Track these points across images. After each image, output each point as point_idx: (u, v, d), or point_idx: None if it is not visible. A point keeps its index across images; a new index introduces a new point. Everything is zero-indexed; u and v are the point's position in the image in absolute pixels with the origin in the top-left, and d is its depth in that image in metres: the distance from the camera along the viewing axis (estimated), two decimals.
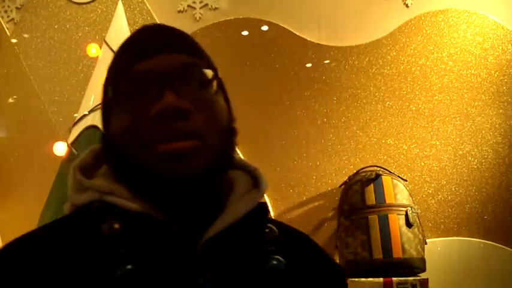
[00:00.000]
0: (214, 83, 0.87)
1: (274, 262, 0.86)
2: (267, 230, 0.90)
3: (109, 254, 0.78)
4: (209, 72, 0.87)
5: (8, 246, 0.83)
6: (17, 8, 2.99)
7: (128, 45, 0.91)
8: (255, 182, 0.91)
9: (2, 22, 2.99)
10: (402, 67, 2.42)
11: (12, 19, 2.99)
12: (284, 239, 0.91)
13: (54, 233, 0.84)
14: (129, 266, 0.77)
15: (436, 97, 2.39)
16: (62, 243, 0.81)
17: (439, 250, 2.27)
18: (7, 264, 0.79)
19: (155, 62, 0.83)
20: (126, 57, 0.87)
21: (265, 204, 0.90)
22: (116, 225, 0.80)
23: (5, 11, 3.02)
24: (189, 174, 0.78)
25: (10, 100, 3.00)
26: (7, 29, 2.98)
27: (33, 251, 0.80)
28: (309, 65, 2.44)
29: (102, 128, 0.91)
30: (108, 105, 0.88)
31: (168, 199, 0.81)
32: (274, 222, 0.93)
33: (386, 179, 2.11)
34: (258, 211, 0.88)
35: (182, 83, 0.81)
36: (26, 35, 2.94)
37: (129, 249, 0.78)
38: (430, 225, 2.30)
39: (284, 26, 2.47)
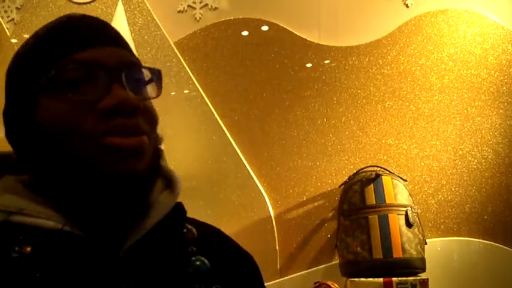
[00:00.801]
0: (154, 85, 0.84)
1: (197, 263, 0.84)
2: (185, 231, 0.89)
3: (23, 281, 0.72)
4: (147, 73, 0.84)
5: None
6: (17, 8, 2.99)
7: (67, 31, 0.82)
8: (167, 182, 0.89)
9: (2, 22, 2.99)
10: (402, 67, 2.42)
11: (12, 19, 2.99)
12: (202, 237, 0.90)
13: None
14: None
15: (436, 97, 2.39)
16: None
17: (439, 250, 2.27)
18: None
19: (104, 52, 0.80)
20: (68, 42, 0.80)
21: (181, 204, 0.89)
22: (28, 248, 0.73)
23: (5, 11, 3.02)
24: (137, 172, 0.75)
25: None
26: (7, 29, 2.98)
27: None
28: (309, 65, 2.45)
29: (16, 123, 0.82)
30: (30, 93, 0.79)
31: (98, 201, 0.76)
32: (190, 220, 0.92)
33: (386, 179, 2.11)
34: (175, 212, 0.86)
35: (128, 80, 0.78)
36: (26, 35, 2.93)
37: (46, 272, 0.72)
38: (430, 225, 2.30)
39: (284, 26, 2.47)
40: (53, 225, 0.74)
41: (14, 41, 2.96)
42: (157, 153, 0.83)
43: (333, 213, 2.30)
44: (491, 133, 2.38)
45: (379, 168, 2.19)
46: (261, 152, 2.39)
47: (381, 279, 1.97)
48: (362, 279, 2.00)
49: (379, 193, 2.08)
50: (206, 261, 0.85)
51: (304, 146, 2.39)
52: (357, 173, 2.22)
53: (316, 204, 2.33)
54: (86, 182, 0.74)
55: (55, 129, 0.75)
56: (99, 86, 0.76)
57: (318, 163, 2.37)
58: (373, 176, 2.12)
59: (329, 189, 2.34)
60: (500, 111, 2.39)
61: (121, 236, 0.78)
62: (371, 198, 2.07)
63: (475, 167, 2.36)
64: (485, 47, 2.42)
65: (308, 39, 2.46)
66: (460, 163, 2.36)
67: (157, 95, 0.84)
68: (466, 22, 2.43)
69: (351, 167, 2.34)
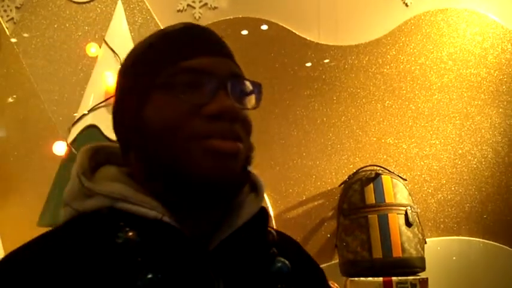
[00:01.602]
0: (253, 97, 0.89)
1: (279, 264, 0.89)
2: (268, 233, 0.93)
3: (126, 264, 0.77)
4: (249, 85, 0.89)
5: (12, 258, 0.79)
6: (16, 8, 2.99)
7: (183, 38, 0.89)
8: (253, 186, 0.94)
9: (2, 22, 2.99)
10: (402, 66, 2.42)
11: (12, 18, 2.99)
12: (280, 241, 0.95)
13: (61, 243, 0.81)
14: (149, 275, 0.76)
15: (436, 96, 2.39)
16: (72, 253, 0.78)
17: (438, 249, 2.27)
18: (14, 276, 0.75)
19: (214, 61, 0.86)
20: (183, 49, 0.86)
21: (265, 208, 0.93)
22: (131, 234, 0.78)
23: (5, 11, 3.02)
24: (231, 173, 0.80)
25: (10, 100, 3.00)
26: (7, 28, 2.98)
27: (41, 262, 0.77)
28: (308, 64, 2.44)
29: (125, 117, 0.88)
30: (143, 90, 0.85)
31: (194, 197, 0.81)
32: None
33: (386, 178, 2.11)
34: (260, 214, 0.90)
35: (232, 89, 0.84)
36: (25, 35, 2.94)
37: (146, 257, 0.77)
38: (430, 224, 2.30)
39: (284, 25, 2.47)
40: (155, 215, 0.79)
41: (13, 40, 2.96)
42: (249, 160, 0.87)
43: (332, 213, 2.30)
44: (490, 132, 2.38)
45: (378, 168, 2.18)
46: (260, 152, 2.38)
47: (381, 279, 1.97)
48: (362, 278, 2.00)
49: (379, 192, 2.08)
50: (287, 263, 0.91)
51: (303, 145, 2.39)
52: (357, 172, 2.22)
53: (315, 203, 2.33)
54: (185, 178, 0.79)
55: (161, 125, 0.81)
56: (207, 91, 0.82)
57: (317, 162, 2.37)
58: (373, 175, 2.12)
59: (329, 188, 2.33)
60: (500, 110, 2.39)
61: (210, 232, 0.84)
62: (371, 198, 2.07)
63: (475, 166, 2.36)
64: (484, 46, 2.42)
65: (308, 38, 2.46)
66: (459, 162, 2.36)
67: (256, 107, 0.89)
68: (465, 21, 2.43)
69: (351, 166, 2.34)
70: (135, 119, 0.85)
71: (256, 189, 0.94)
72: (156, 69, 0.85)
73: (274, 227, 0.99)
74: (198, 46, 0.87)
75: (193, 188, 0.79)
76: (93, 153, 0.93)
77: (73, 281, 0.75)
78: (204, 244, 0.82)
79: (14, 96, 2.98)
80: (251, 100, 0.89)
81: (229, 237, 0.83)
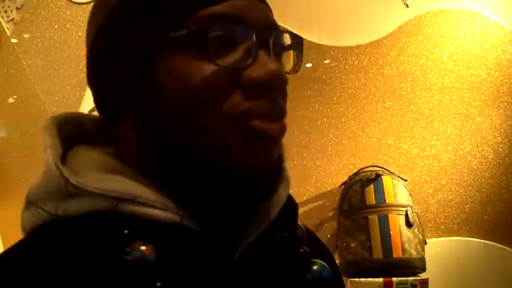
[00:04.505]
0: (291, 56, 0.67)
1: (316, 268, 0.71)
2: (297, 228, 0.75)
3: None
4: (287, 40, 0.67)
5: None
6: (17, 8, 2.99)
7: None
8: None
9: (2, 22, 2.99)
10: (402, 67, 2.41)
11: (13, 19, 2.99)
12: (309, 239, 0.78)
13: (36, 262, 0.57)
14: None
15: (436, 97, 2.39)
16: (56, 278, 0.56)
17: (439, 250, 2.27)
18: None
19: (249, 6, 0.62)
20: None
21: (292, 199, 0.74)
22: (144, 248, 0.57)
23: (5, 11, 3.02)
24: (271, 161, 0.63)
25: (10, 100, 3.00)
26: (7, 29, 2.98)
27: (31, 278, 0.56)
28: (309, 65, 2.44)
29: (118, 83, 0.65)
30: (148, 48, 0.61)
31: (222, 197, 0.62)
32: None
33: (386, 179, 2.11)
34: (288, 205, 0.71)
35: (274, 46, 0.63)
36: (26, 35, 2.94)
37: (166, 279, 0.57)
38: (430, 225, 2.30)
39: (283, 26, 2.46)
40: (172, 218, 0.59)
41: (14, 40, 2.96)
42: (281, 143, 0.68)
43: (333, 214, 2.29)
44: (491, 133, 2.38)
45: (379, 168, 2.18)
46: None
47: (381, 279, 1.97)
48: (362, 279, 2.00)
49: (379, 193, 2.08)
50: (326, 265, 0.72)
51: (304, 146, 2.38)
52: (357, 173, 2.21)
53: (316, 204, 2.32)
54: (214, 170, 0.60)
55: (181, 99, 0.59)
56: (245, 50, 0.61)
57: (318, 163, 2.37)
58: (373, 176, 2.12)
59: (329, 189, 2.33)
60: (501, 111, 2.39)
61: (232, 233, 0.66)
62: (371, 198, 2.07)
63: (475, 167, 2.36)
64: (485, 47, 2.42)
65: (308, 39, 2.45)
66: (460, 163, 2.36)
67: (297, 70, 0.67)
68: (466, 22, 2.43)
69: (351, 167, 2.33)
70: (135, 87, 0.63)
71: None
72: (171, 16, 0.60)
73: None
74: None
75: (226, 182, 0.60)
76: (58, 126, 0.68)
77: None
78: (230, 252, 0.64)
79: (15, 96, 2.97)
80: (289, 59, 0.67)
81: (258, 238, 0.65)
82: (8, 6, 3.03)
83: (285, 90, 0.65)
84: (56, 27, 2.83)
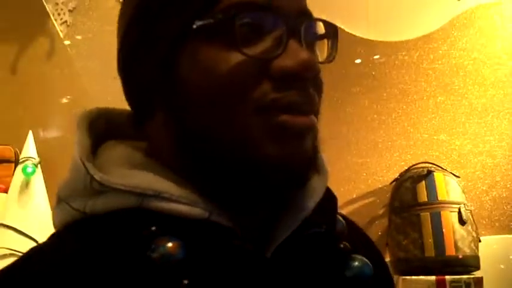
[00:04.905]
0: (325, 45, 0.65)
1: (357, 264, 0.67)
2: (337, 222, 0.71)
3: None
4: (322, 29, 0.65)
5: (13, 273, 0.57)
6: (69, 11, 3.05)
7: None
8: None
9: (56, 24, 3.07)
10: (454, 61, 2.37)
11: (65, 21, 3.06)
12: (350, 233, 0.74)
13: (66, 259, 0.57)
14: None
15: (490, 91, 2.33)
16: (85, 276, 0.55)
17: (494, 248, 2.22)
18: None
19: None
20: None
21: (331, 192, 0.72)
22: (171, 245, 0.56)
23: (58, 14, 3.09)
24: (305, 158, 0.60)
25: (64, 100, 3.06)
26: (60, 31, 3.05)
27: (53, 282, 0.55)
28: (358, 61, 2.42)
29: (146, 76, 0.64)
30: (172, 39, 0.60)
31: (250, 191, 0.60)
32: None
33: (438, 175, 2.07)
34: (327, 198, 0.69)
35: (306, 35, 0.60)
36: (78, 37, 3.00)
37: (194, 278, 0.55)
38: (484, 222, 2.25)
39: (332, 22, 2.45)
40: (200, 214, 0.57)
41: (67, 42, 3.02)
42: (317, 134, 0.64)
43: (383, 211, 2.27)
44: None
45: (430, 165, 2.15)
46: None
47: (434, 278, 1.94)
48: (414, 277, 1.97)
49: (431, 190, 2.05)
50: (367, 261, 0.68)
51: (353, 143, 2.37)
52: (408, 169, 2.18)
53: (366, 201, 2.31)
54: (242, 164, 0.58)
55: (207, 90, 0.58)
56: (275, 39, 0.58)
57: (368, 160, 2.35)
58: (425, 172, 2.09)
59: (380, 186, 2.30)
60: None
61: (264, 229, 0.63)
62: (423, 195, 2.04)
63: None
64: None
65: (357, 34, 2.43)
66: None
67: (331, 60, 0.64)
68: None
69: (402, 163, 2.30)
70: (163, 80, 0.62)
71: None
72: (198, 4, 0.59)
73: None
74: None
75: (253, 174, 0.58)
76: (90, 122, 0.69)
77: None
78: (262, 249, 0.62)
79: (68, 97, 3.04)
80: (323, 48, 0.65)
81: (292, 234, 0.62)
82: (61, 9, 3.10)
83: (318, 81, 0.63)
84: (107, 28, 2.88)
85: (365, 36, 2.43)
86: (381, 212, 2.29)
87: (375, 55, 2.42)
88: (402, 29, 2.43)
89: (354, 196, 2.31)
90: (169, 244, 0.55)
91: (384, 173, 2.32)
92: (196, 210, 0.57)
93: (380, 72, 2.40)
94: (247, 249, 0.60)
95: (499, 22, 2.37)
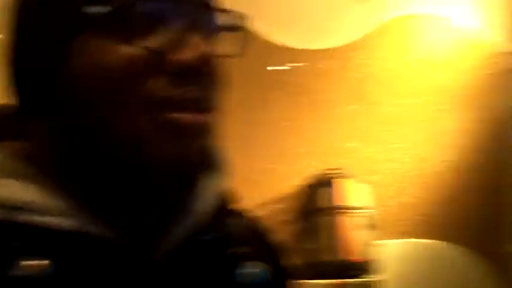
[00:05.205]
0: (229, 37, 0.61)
1: (249, 269, 0.65)
2: (230, 225, 0.68)
3: None
4: (225, 19, 0.61)
5: None
6: None
7: None
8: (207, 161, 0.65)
9: None
10: (369, 71, 2.42)
11: None
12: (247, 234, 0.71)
13: None
14: None
15: (402, 100, 2.40)
16: None
17: (395, 252, 2.28)
18: None
19: None
20: None
21: (228, 195, 0.69)
22: (36, 263, 0.51)
23: None
24: (196, 157, 0.57)
25: None
26: None
27: None
28: (277, 67, 2.45)
29: (31, 70, 0.58)
30: (64, 31, 0.55)
31: (135, 194, 0.58)
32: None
33: (342, 182, 2.13)
34: (222, 205, 0.67)
35: (206, 27, 0.57)
36: None
37: None
38: (390, 227, 2.30)
39: (251, 28, 2.46)
40: (71, 226, 0.53)
41: None
42: (212, 132, 0.60)
43: (291, 216, 2.30)
44: (456, 136, 2.39)
45: (336, 171, 2.20)
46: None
47: (334, 281, 1.98)
48: (314, 281, 2.02)
49: (336, 196, 2.10)
50: (262, 266, 0.66)
51: (264, 147, 2.38)
52: (315, 176, 2.24)
53: (275, 206, 2.33)
54: (127, 163, 0.55)
55: (97, 85, 0.54)
56: (173, 31, 0.55)
57: (276, 165, 2.37)
58: (330, 178, 2.14)
59: (287, 192, 2.34)
60: (466, 115, 2.40)
61: (154, 234, 0.60)
62: (324, 201, 2.10)
63: (438, 169, 2.37)
64: (450, 51, 2.43)
65: (277, 41, 2.46)
66: (423, 166, 2.37)
67: (235, 54, 0.60)
68: (432, 27, 2.44)
69: (311, 170, 2.33)
70: (52, 75, 0.56)
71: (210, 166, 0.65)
72: None
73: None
74: None
75: (141, 177, 0.56)
76: None
77: None
78: (149, 256, 0.59)
79: None
80: (229, 41, 0.60)
81: (184, 238, 0.61)
82: None
83: (217, 77, 0.59)
84: None
85: (285, 44, 2.46)
86: (288, 217, 2.31)
87: (294, 62, 2.45)
88: (320, 38, 2.47)
89: (263, 201, 2.33)
90: (34, 261, 0.51)
91: (293, 178, 2.36)
92: (67, 222, 0.53)
93: (298, 80, 2.43)
94: (127, 258, 0.57)
95: (413, 34, 2.44)
